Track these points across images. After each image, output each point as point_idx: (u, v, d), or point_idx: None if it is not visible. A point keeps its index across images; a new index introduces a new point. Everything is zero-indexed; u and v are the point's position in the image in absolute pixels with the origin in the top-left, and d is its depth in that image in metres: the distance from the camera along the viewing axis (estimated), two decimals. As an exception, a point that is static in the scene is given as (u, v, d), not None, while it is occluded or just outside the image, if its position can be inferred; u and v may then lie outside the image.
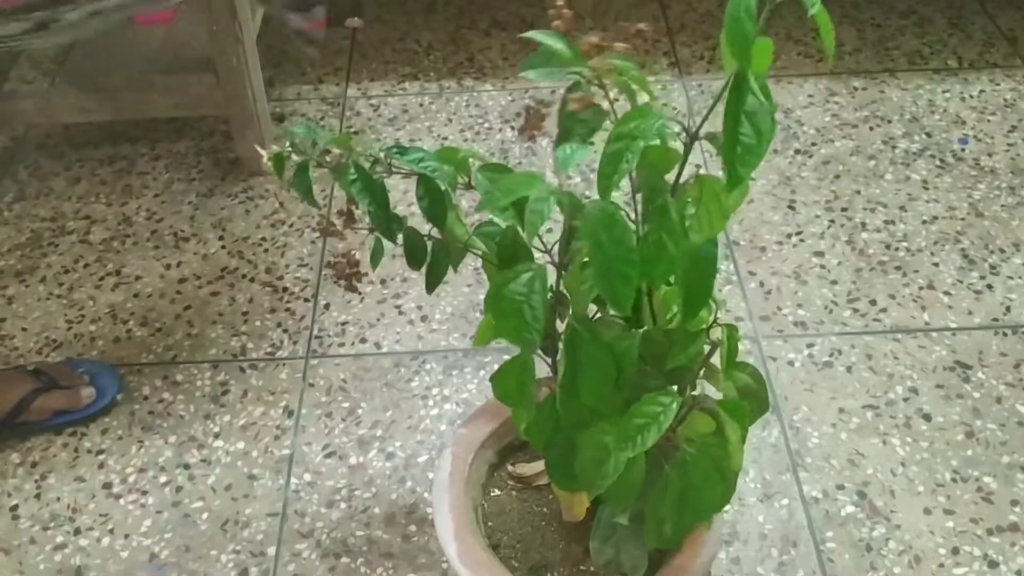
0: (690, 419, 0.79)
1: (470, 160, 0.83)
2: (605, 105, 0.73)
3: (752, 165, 0.64)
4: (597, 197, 0.68)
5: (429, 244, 0.86)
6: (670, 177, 0.73)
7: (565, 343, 0.76)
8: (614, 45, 0.69)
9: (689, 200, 0.71)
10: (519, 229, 0.85)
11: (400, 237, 0.85)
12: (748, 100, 0.63)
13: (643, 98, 0.72)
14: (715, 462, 0.79)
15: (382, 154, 0.80)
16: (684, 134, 0.70)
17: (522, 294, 0.72)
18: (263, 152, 0.81)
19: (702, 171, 0.71)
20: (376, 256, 0.85)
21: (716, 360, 0.81)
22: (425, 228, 0.86)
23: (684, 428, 0.80)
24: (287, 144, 0.81)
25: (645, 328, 0.82)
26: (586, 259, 0.73)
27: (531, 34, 0.72)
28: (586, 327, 0.76)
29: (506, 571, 0.91)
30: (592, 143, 0.72)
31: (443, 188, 0.81)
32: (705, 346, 0.79)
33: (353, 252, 0.85)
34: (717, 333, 0.79)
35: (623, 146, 0.66)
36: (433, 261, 0.87)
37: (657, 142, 0.69)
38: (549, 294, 0.74)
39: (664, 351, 0.80)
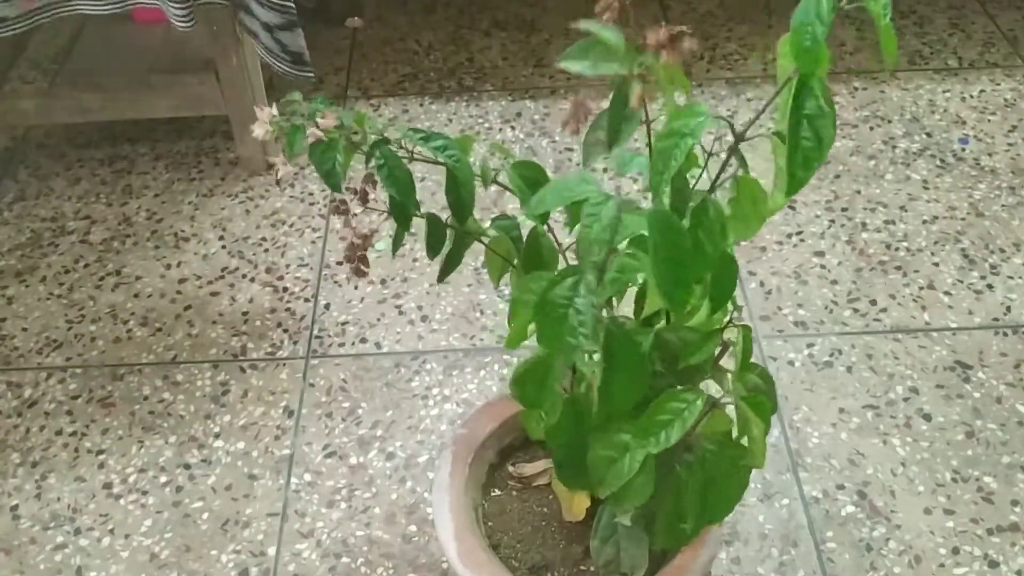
0: (709, 418, 0.79)
1: (498, 154, 0.82)
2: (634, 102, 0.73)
3: (812, 169, 0.64)
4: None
5: (449, 232, 0.85)
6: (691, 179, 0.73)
7: (603, 347, 0.75)
8: (684, 43, 0.68)
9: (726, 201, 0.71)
10: (541, 228, 0.84)
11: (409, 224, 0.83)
12: (808, 104, 0.63)
13: (680, 99, 0.72)
14: (733, 460, 0.79)
15: (404, 138, 0.78)
16: (730, 135, 0.70)
17: (566, 298, 0.70)
18: (260, 114, 0.75)
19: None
20: (397, 242, 0.83)
21: (722, 360, 0.81)
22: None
23: (700, 426, 0.79)
24: (291, 116, 0.75)
25: (658, 327, 0.81)
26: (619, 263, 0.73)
27: (585, 24, 0.71)
28: (620, 330, 0.75)
29: (506, 571, 0.91)
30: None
31: (471, 180, 0.80)
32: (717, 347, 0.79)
33: (369, 234, 0.83)
34: (731, 333, 0.79)
35: (672, 143, 0.65)
36: (452, 249, 0.86)
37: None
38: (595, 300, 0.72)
39: (676, 350, 0.79)
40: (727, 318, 0.79)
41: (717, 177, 0.72)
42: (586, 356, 0.85)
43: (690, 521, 0.81)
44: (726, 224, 0.70)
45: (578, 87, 1.85)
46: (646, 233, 0.67)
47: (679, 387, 0.79)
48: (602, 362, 0.76)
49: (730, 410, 0.80)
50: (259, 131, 0.75)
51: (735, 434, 0.81)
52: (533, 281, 0.77)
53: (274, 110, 0.76)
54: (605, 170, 1.60)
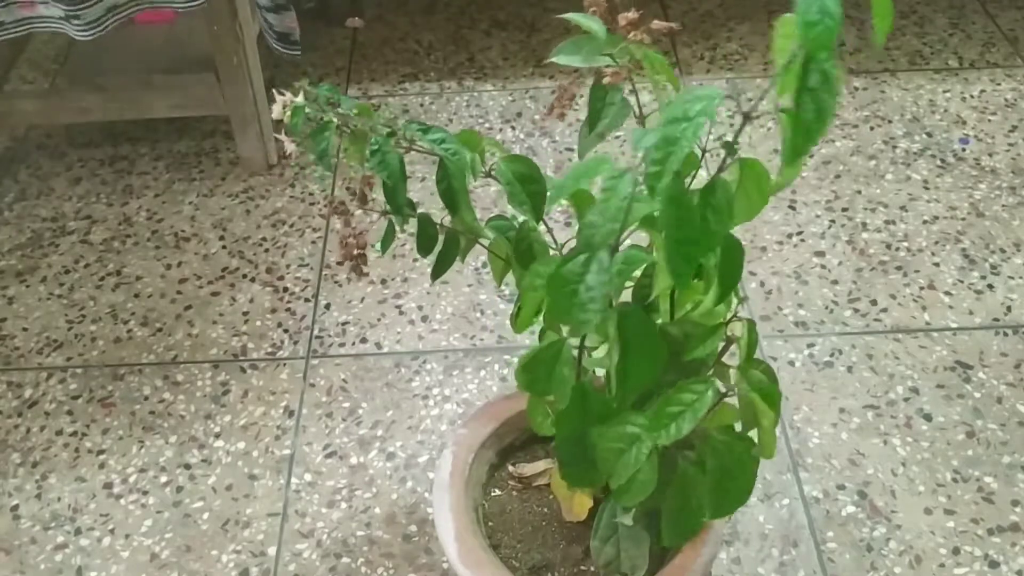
0: (715, 411, 0.79)
1: (491, 150, 0.82)
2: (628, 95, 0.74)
3: (812, 141, 0.62)
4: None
5: (441, 232, 0.85)
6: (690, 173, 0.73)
7: (617, 328, 0.75)
8: (652, 23, 0.69)
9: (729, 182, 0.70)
10: (532, 224, 0.84)
11: (409, 225, 0.84)
12: (811, 79, 0.63)
13: (669, 91, 0.72)
14: (744, 451, 0.79)
15: (404, 130, 0.79)
16: (738, 113, 0.70)
17: (577, 274, 0.70)
18: (280, 98, 0.77)
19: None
20: (387, 240, 0.84)
21: (726, 356, 0.81)
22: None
23: (707, 419, 0.79)
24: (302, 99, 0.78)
25: (662, 321, 0.81)
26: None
27: (570, 16, 0.72)
28: (636, 312, 0.75)
29: (506, 571, 0.91)
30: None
31: (463, 172, 0.80)
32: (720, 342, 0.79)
33: (364, 232, 0.84)
34: (735, 328, 0.79)
35: (677, 129, 0.62)
36: (444, 248, 0.86)
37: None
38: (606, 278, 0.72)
39: (682, 344, 0.79)
40: (731, 312, 0.79)
41: (724, 159, 0.71)
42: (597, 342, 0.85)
43: (708, 512, 0.80)
44: (732, 204, 0.69)
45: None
46: (655, 213, 0.67)
47: (689, 379, 0.79)
48: (617, 343, 0.76)
49: (732, 405, 0.81)
50: (276, 111, 0.78)
51: (739, 428, 0.81)
52: (543, 265, 0.77)
53: (299, 96, 0.78)
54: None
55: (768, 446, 0.78)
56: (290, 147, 0.79)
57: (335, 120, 0.77)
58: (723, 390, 0.80)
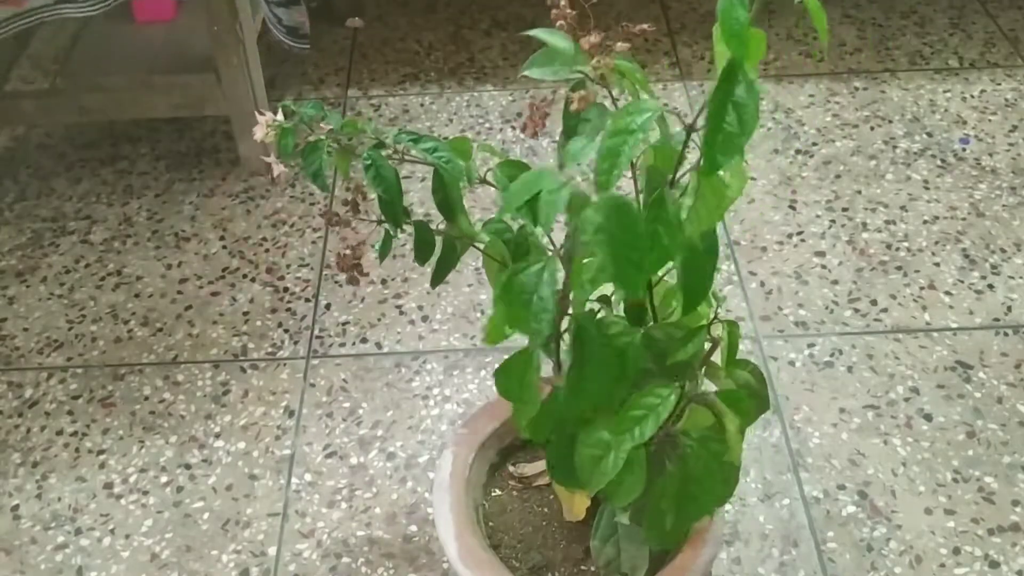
0: (690, 413, 0.79)
1: (487, 155, 0.82)
2: (608, 104, 0.74)
3: (731, 154, 0.64)
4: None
5: (438, 238, 0.86)
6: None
7: (571, 339, 0.76)
8: (616, 45, 0.69)
9: (685, 192, 0.71)
10: (531, 227, 0.85)
11: (407, 230, 0.84)
12: (736, 90, 0.63)
13: (645, 97, 0.72)
14: (715, 455, 0.79)
15: (394, 141, 0.79)
16: (681, 127, 0.70)
17: (532, 284, 0.71)
18: (261, 119, 0.77)
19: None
20: (385, 248, 0.84)
21: (717, 357, 0.81)
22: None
23: (684, 423, 0.80)
24: (292, 120, 0.78)
25: (646, 325, 0.82)
26: (591, 253, 0.73)
27: (534, 32, 0.73)
28: (591, 323, 0.76)
29: (507, 571, 0.91)
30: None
31: (457, 180, 0.80)
32: (706, 343, 0.79)
33: (361, 244, 0.84)
34: (718, 330, 0.79)
35: (620, 141, 0.65)
36: (442, 255, 0.86)
37: (655, 136, 0.69)
38: (558, 288, 0.73)
39: (665, 348, 0.80)
40: (712, 314, 0.79)
41: (676, 169, 0.72)
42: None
43: (669, 518, 0.81)
44: (681, 216, 0.70)
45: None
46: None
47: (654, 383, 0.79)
48: (571, 355, 0.76)
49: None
50: (259, 133, 0.77)
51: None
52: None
53: (278, 115, 0.78)
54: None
55: (734, 451, 0.78)
56: (279, 169, 0.80)
57: (324, 138, 0.77)
58: (712, 390, 0.80)
